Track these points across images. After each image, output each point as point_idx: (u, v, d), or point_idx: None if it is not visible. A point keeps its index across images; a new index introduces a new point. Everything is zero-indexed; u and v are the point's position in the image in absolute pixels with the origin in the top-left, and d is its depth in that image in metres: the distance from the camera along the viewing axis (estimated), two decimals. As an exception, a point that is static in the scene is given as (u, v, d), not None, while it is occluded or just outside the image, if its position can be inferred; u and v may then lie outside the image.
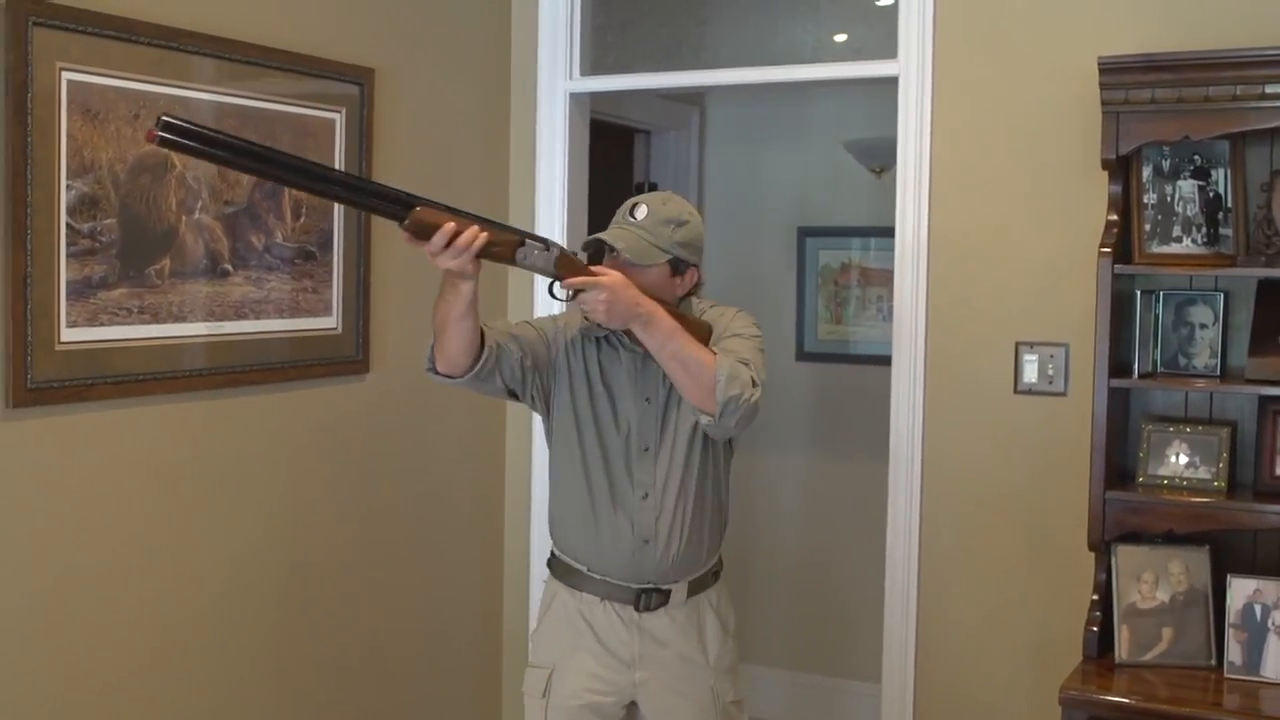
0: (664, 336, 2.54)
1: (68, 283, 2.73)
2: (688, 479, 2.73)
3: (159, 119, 2.11)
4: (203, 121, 2.97)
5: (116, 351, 2.85)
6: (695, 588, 2.78)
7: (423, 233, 2.38)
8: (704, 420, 2.58)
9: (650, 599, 2.73)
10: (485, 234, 2.42)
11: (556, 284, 2.56)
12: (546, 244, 2.55)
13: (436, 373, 2.67)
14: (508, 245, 2.50)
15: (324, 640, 3.46)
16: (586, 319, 2.62)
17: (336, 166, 3.35)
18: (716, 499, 2.82)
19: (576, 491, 2.73)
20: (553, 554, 2.85)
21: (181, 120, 2.14)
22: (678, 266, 2.73)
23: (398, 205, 2.37)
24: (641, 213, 2.69)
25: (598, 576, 2.73)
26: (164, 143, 2.10)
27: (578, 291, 2.52)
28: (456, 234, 2.39)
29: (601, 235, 2.69)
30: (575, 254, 2.62)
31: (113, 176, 2.81)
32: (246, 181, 3.13)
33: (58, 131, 2.69)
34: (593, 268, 2.57)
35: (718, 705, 2.79)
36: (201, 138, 2.15)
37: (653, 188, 5.20)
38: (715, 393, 2.52)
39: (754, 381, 2.59)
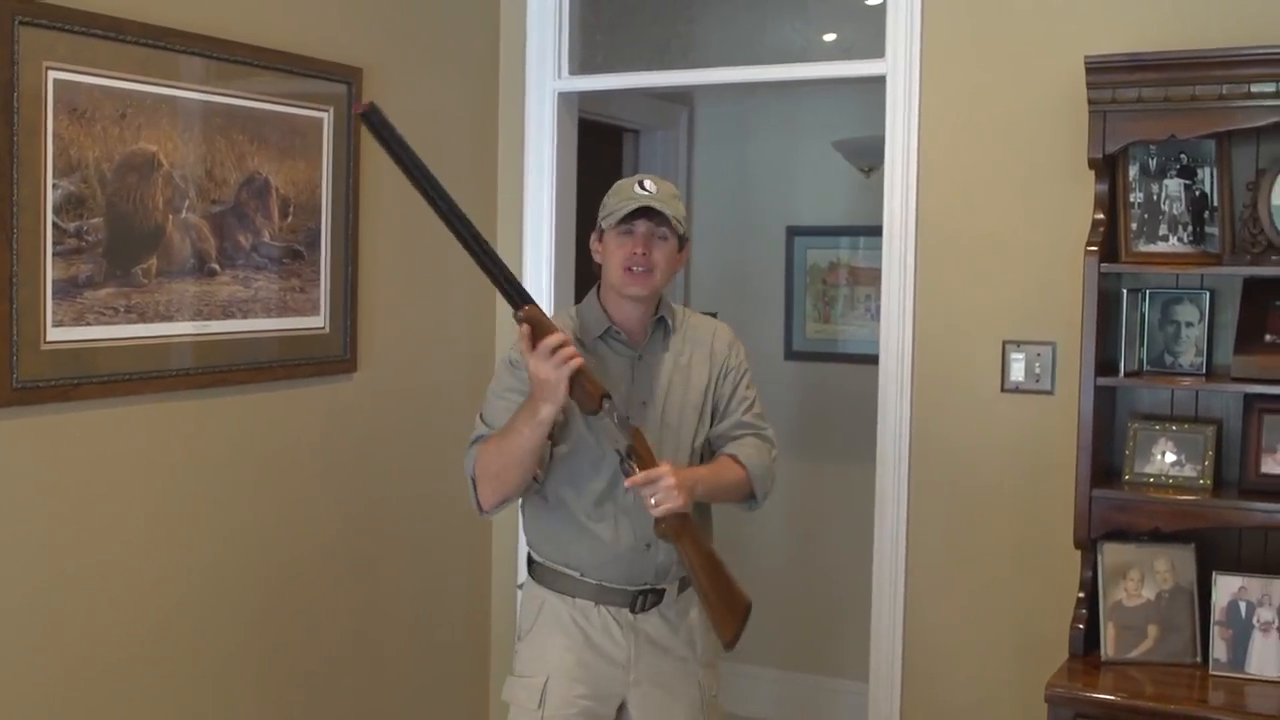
0: (715, 485, 2.68)
1: (54, 282, 2.72)
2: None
3: (371, 104, 2.35)
4: (188, 121, 3.00)
5: (103, 351, 2.84)
6: (684, 584, 2.77)
7: (532, 324, 2.44)
8: (742, 508, 2.80)
9: (646, 600, 2.71)
10: (580, 359, 2.46)
11: (629, 456, 2.55)
12: (628, 415, 2.58)
13: (485, 510, 2.71)
14: (596, 389, 2.50)
15: (310, 639, 3.46)
16: (655, 515, 2.55)
17: (327, 160, 3.35)
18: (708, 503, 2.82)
19: (570, 499, 2.68)
20: (535, 562, 2.79)
21: (384, 116, 2.37)
22: (683, 241, 2.74)
23: (517, 294, 2.46)
24: (651, 185, 2.68)
25: (593, 581, 2.70)
26: (366, 121, 2.34)
27: (640, 470, 2.54)
28: (562, 344, 2.44)
29: (650, 198, 2.63)
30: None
31: (99, 175, 2.81)
32: (233, 181, 3.13)
33: (44, 130, 2.68)
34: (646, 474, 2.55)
35: (704, 699, 2.80)
36: (395, 137, 2.38)
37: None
38: (755, 494, 2.76)
39: (771, 453, 2.79)
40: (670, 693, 2.75)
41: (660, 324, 2.77)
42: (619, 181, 2.74)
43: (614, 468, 2.62)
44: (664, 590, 2.73)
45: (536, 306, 2.48)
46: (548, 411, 2.47)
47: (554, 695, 2.68)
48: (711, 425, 2.78)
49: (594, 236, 2.77)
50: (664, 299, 2.78)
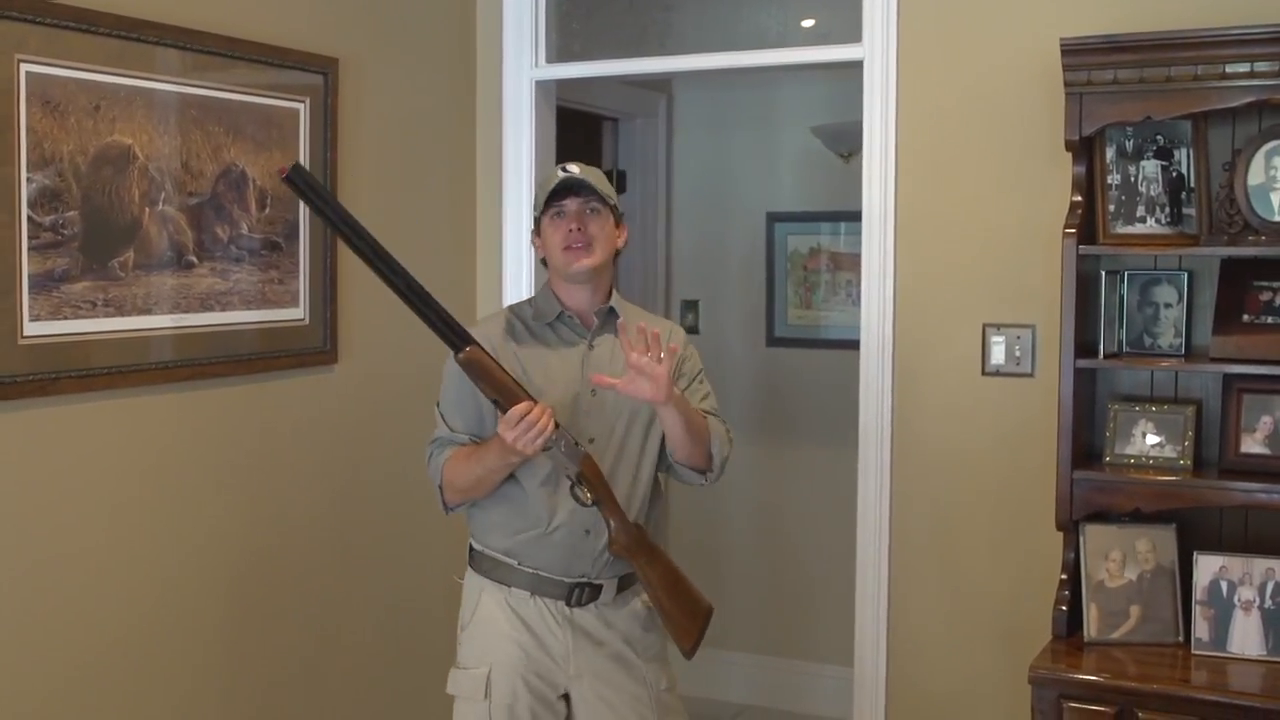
0: (686, 409, 2.65)
1: (30, 276, 2.70)
2: (640, 470, 2.73)
3: (295, 164, 2.41)
4: (164, 113, 2.98)
5: (81, 345, 2.83)
6: (625, 583, 2.76)
7: (473, 371, 2.51)
8: (695, 479, 2.77)
9: (582, 594, 2.70)
10: (552, 428, 2.49)
11: (578, 482, 2.60)
12: (577, 442, 2.60)
13: (450, 511, 2.78)
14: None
15: (290, 629, 3.45)
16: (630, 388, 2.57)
17: (304, 151, 3.35)
18: (656, 490, 2.81)
19: (511, 483, 2.67)
20: (475, 551, 2.79)
21: (307, 176, 2.43)
22: (618, 217, 2.75)
23: (456, 336, 2.53)
24: (573, 167, 2.71)
25: (529, 570, 2.69)
26: (290, 183, 2.38)
27: (593, 499, 2.60)
28: (527, 413, 2.47)
29: (570, 168, 2.68)
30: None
31: (74, 169, 2.79)
32: (210, 173, 3.11)
33: (17, 124, 2.66)
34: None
35: (652, 694, 2.77)
36: (321, 195, 2.45)
37: (621, 175, 5.20)
38: (713, 456, 2.73)
39: (730, 436, 2.81)
40: (612, 687, 2.73)
41: (610, 314, 2.77)
42: (542, 176, 2.77)
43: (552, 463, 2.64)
44: (601, 586, 2.72)
45: (477, 347, 2.53)
46: (518, 460, 2.55)
47: (499, 685, 2.68)
48: None
49: (531, 234, 2.80)
50: (615, 292, 2.79)
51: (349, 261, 3.54)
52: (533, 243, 2.81)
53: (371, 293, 3.60)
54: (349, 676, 3.65)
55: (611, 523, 2.63)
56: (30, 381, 2.72)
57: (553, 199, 2.67)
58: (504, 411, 2.49)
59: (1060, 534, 3.15)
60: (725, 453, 2.77)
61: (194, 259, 3.10)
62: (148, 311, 2.99)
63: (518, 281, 4.05)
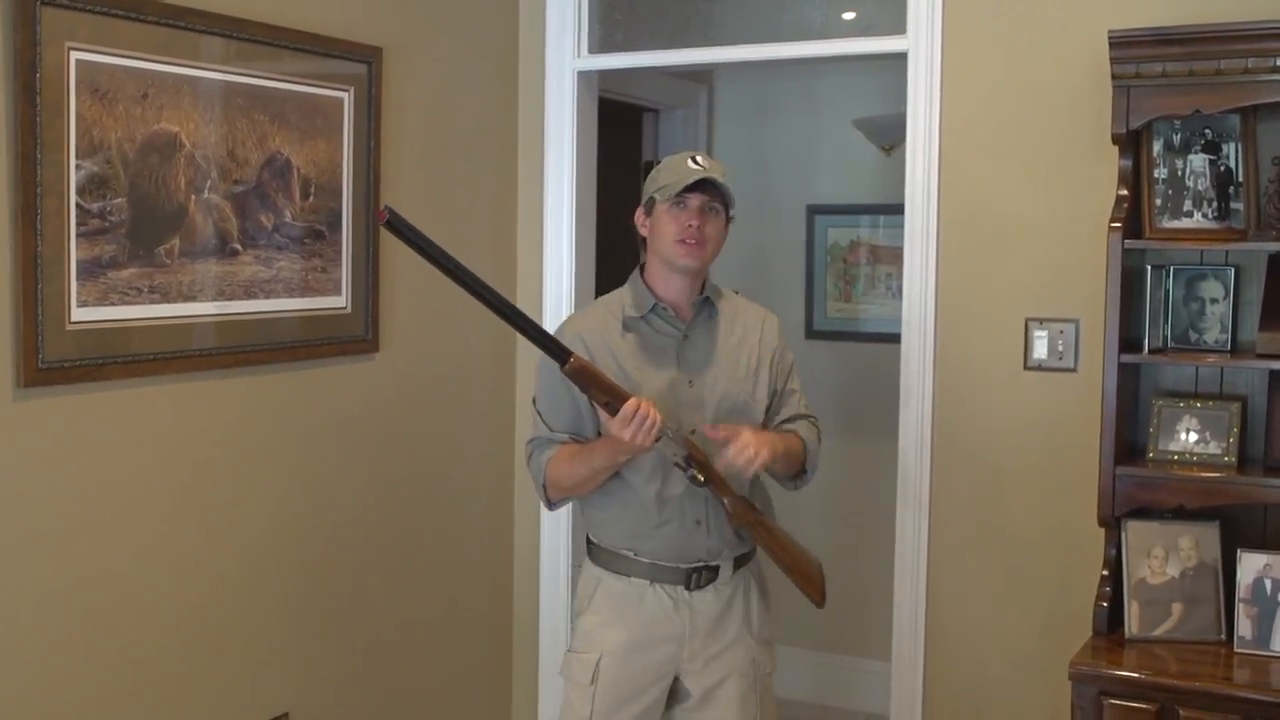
0: (783, 452, 2.73)
1: (78, 263, 2.73)
2: None
3: (387, 208, 2.38)
4: (210, 101, 3.00)
5: (127, 331, 2.86)
6: (740, 562, 2.81)
7: (580, 380, 2.54)
8: (788, 485, 2.88)
9: (700, 577, 2.75)
10: (659, 420, 2.53)
11: (689, 466, 2.64)
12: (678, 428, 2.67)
13: (553, 508, 2.86)
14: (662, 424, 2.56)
15: (336, 617, 3.48)
16: (735, 469, 2.64)
17: (348, 140, 3.36)
18: (758, 477, 2.82)
19: (617, 481, 2.72)
20: (592, 544, 2.84)
21: (403, 219, 2.38)
22: (730, 217, 2.77)
23: (558, 348, 2.54)
24: (704, 160, 2.71)
25: (646, 560, 2.74)
26: (390, 227, 2.36)
27: (705, 477, 2.64)
28: (637, 409, 2.51)
29: (706, 172, 2.67)
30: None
31: (122, 156, 2.81)
32: (255, 161, 3.13)
33: (66, 111, 2.68)
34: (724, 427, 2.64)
35: (758, 676, 2.83)
36: (419, 236, 2.40)
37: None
38: (807, 470, 2.86)
39: (820, 439, 2.90)
40: (725, 669, 2.79)
41: (705, 304, 2.78)
42: (669, 157, 2.77)
43: (668, 462, 2.69)
44: (718, 567, 2.77)
45: (578, 358, 2.55)
46: (625, 459, 2.61)
47: (607, 672, 2.74)
48: (766, 413, 2.82)
49: (640, 212, 2.79)
50: (709, 280, 2.81)
51: (391, 251, 3.55)
52: (639, 222, 2.79)
53: (412, 282, 3.63)
54: (398, 659, 3.67)
55: (725, 500, 2.69)
56: (78, 367, 2.75)
57: (683, 190, 2.68)
58: (613, 412, 2.52)
59: (1102, 530, 3.13)
60: (817, 462, 2.87)
61: (238, 247, 3.12)
62: (192, 298, 3.01)
63: (558, 270, 4.05)
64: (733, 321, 2.81)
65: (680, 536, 2.72)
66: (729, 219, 2.76)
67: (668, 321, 2.76)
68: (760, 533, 2.76)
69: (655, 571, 2.74)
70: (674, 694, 2.81)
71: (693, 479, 2.65)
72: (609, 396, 2.53)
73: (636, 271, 2.83)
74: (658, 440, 2.54)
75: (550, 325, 3.52)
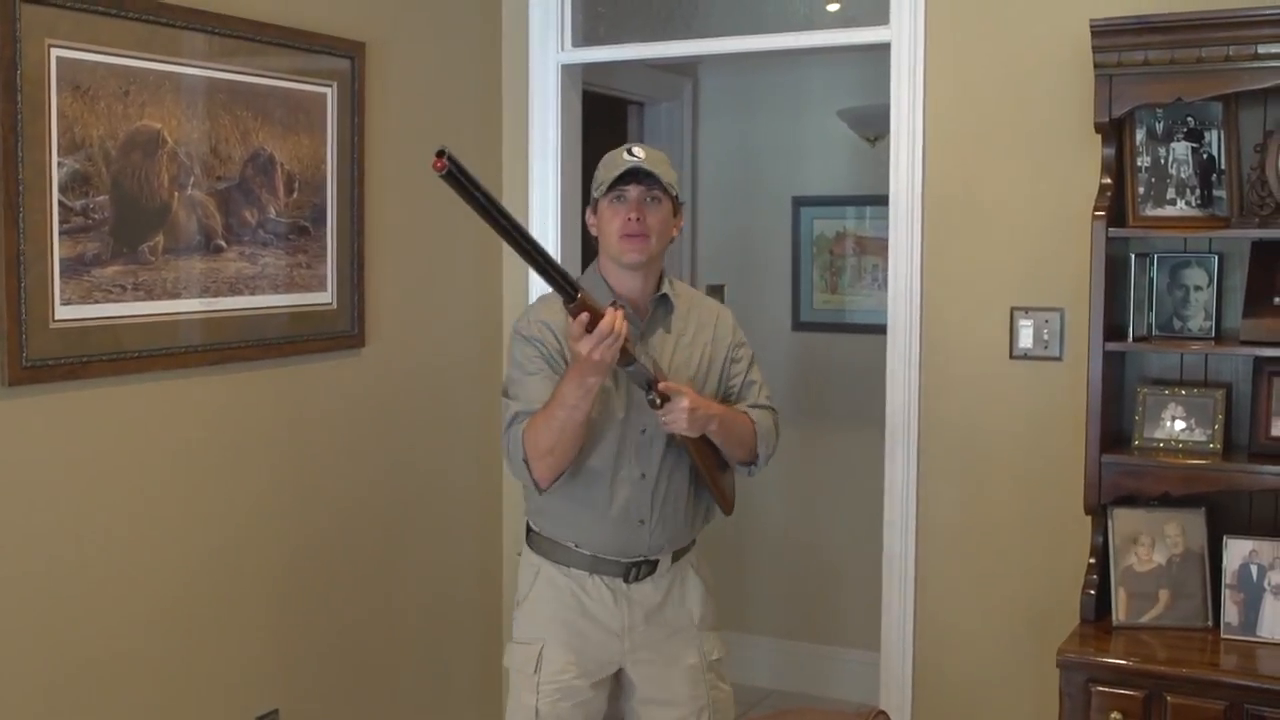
0: (728, 428, 2.72)
1: (61, 260, 2.72)
2: (684, 461, 2.75)
3: (445, 152, 2.25)
4: (192, 98, 2.99)
5: (111, 329, 2.85)
6: (678, 555, 2.81)
7: (586, 309, 2.43)
8: (740, 470, 2.86)
9: (640, 570, 2.75)
10: (621, 314, 2.46)
11: (649, 390, 2.60)
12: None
13: (544, 488, 2.68)
14: (629, 344, 2.51)
15: (323, 613, 3.47)
16: (663, 423, 2.63)
17: (331, 136, 3.35)
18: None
19: (569, 475, 2.68)
20: (533, 532, 2.82)
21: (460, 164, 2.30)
22: (677, 205, 2.75)
23: (570, 287, 2.43)
24: (639, 151, 2.68)
25: (586, 552, 2.74)
26: (447, 176, 2.28)
27: (664, 400, 2.58)
28: (612, 326, 2.44)
29: (639, 162, 2.64)
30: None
31: (104, 153, 2.80)
32: (238, 157, 3.12)
33: (48, 109, 2.67)
34: (668, 384, 2.61)
35: (705, 664, 2.82)
36: (472, 183, 2.33)
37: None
38: (759, 455, 2.82)
39: (776, 427, 2.87)
40: (668, 659, 2.79)
41: (663, 301, 2.78)
42: (608, 153, 2.75)
43: (613, 445, 2.68)
44: (657, 561, 2.77)
45: (583, 291, 2.46)
46: (594, 381, 2.50)
47: (550, 661, 2.74)
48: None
49: (588, 211, 2.78)
50: (665, 275, 2.80)
51: (376, 245, 3.55)
52: (587, 221, 2.79)
53: (398, 277, 3.62)
54: (385, 652, 3.67)
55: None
56: (61, 365, 2.74)
57: (616, 183, 2.66)
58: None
59: (1088, 518, 3.14)
60: (770, 448, 2.84)
61: (222, 243, 3.11)
62: (177, 295, 3.00)
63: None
64: (686, 318, 2.80)
65: (624, 534, 2.71)
66: (677, 207, 2.74)
67: (626, 318, 2.74)
68: (694, 443, 2.70)
69: (596, 564, 2.73)
70: (622, 687, 2.82)
71: (651, 402, 2.59)
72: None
73: (592, 266, 2.81)
74: (628, 364, 2.51)
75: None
